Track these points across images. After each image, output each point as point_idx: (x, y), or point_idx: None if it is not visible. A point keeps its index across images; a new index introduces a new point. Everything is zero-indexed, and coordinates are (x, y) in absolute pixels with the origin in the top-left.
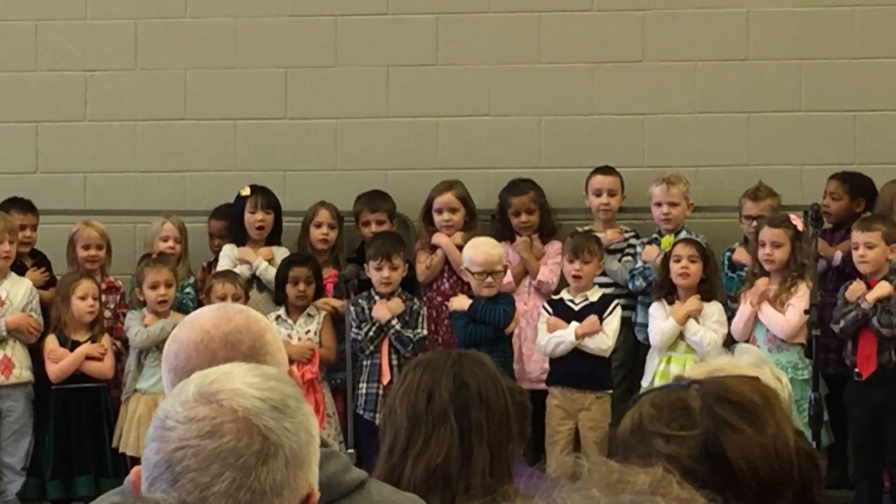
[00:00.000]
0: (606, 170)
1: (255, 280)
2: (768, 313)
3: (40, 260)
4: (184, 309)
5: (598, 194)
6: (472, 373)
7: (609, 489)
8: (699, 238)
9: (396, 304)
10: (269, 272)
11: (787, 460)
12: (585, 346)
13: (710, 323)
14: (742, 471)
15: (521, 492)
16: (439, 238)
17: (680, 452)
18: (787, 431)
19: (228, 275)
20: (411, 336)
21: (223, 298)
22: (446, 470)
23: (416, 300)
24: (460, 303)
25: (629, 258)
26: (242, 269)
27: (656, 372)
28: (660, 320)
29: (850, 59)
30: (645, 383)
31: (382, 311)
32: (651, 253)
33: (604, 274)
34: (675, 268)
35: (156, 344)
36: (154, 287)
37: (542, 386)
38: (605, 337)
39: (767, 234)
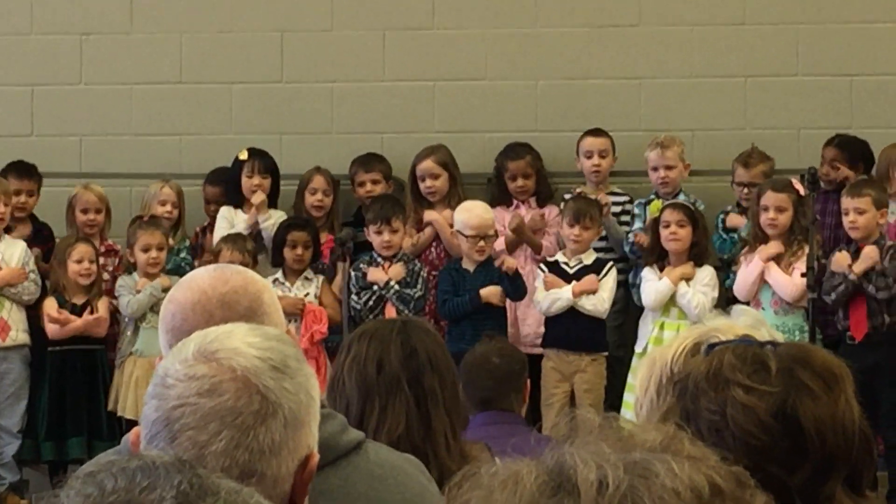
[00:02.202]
0: (597, 132)
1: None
2: (775, 275)
3: (38, 229)
4: (179, 272)
5: (589, 156)
6: (419, 339)
7: (620, 445)
8: (692, 201)
9: (396, 272)
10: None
11: (851, 437)
12: (582, 306)
13: (699, 286)
14: (812, 438)
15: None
16: (430, 215)
17: (758, 405)
18: (853, 408)
19: (238, 241)
20: (411, 294)
21: None
22: (410, 440)
23: (416, 262)
24: (491, 293)
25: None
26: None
27: (650, 338)
28: (652, 283)
29: (846, 23)
30: (639, 349)
31: (378, 274)
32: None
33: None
34: (664, 233)
35: (147, 308)
36: (146, 250)
37: (538, 350)
38: (601, 297)
39: (771, 198)
